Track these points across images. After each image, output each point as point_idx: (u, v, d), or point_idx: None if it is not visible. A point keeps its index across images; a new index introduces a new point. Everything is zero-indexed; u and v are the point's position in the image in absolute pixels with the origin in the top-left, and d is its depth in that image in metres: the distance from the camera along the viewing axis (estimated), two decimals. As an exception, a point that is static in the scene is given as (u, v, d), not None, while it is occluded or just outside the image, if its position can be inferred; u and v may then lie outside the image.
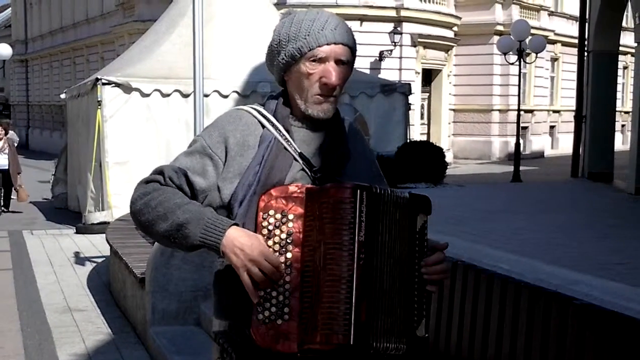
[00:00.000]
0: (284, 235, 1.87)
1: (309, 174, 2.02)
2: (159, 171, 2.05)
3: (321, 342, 1.84)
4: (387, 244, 1.91)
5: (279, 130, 2.04)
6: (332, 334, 1.83)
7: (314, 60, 1.99)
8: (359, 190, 1.85)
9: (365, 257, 1.85)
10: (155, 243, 6.35)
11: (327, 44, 1.99)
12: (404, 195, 1.98)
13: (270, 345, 1.86)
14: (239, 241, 1.85)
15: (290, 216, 1.88)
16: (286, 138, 2.04)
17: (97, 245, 10.69)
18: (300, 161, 2.03)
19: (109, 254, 8.62)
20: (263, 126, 2.06)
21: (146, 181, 2.04)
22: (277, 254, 1.86)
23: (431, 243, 2.03)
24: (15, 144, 18.46)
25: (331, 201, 1.85)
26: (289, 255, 1.87)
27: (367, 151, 2.24)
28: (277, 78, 2.12)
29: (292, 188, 1.90)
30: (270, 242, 1.87)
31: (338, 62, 2.01)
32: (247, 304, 1.89)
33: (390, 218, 1.92)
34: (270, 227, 1.88)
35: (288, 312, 1.85)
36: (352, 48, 2.05)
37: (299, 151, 2.03)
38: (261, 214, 1.89)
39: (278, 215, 1.88)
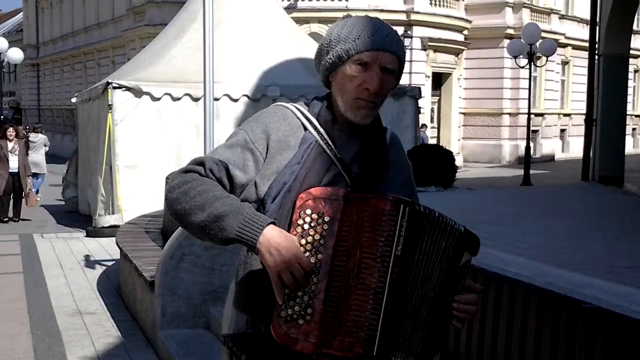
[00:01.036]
0: (317, 237, 1.85)
1: (347, 179, 2.02)
2: (200, 162, 2.02)
3: (343, 349, 1.83)
4: (422, 265, 1.90)
5: (321, 133, 2.05)
6: (355, 342, 1.83)
7: (359, 64, 1.99)
8: (402, 205, 1.85)
9: (399, 272, 1.85)
10: (165, 246, 6.37)
11: (375, 50, 1.98)
12: (457, 226, 1.97)
13: (288, 344, 1.84)
14: (276, 241, 1.83)
15: (327, 218, 1.85)
16: (327, 142, 2.04)
17: (107, 249, 10.71)
18: (339, 165, 2.02)
19: (119, 257, 8.64)
20: (305, 128, 2.07)
21: (184, 171, 2.02)
22: (308, 254, 1.85)
23: (467, 282, 2.04)
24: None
25: (372, 211, 1.84)
26: (319, 256, 1.85)
27: (406, 164, 2.22)
28: (322, 78, 2.11)
29: (331, 190, 1.88)
30: (303, 241, 1.85)
31: (383, 69, 2.00)
32: (269, 300, 1.88)
33: (432, 240, 1.91)
34: (306, 227, 1.86)
35: (311, 313, 1.84)
36: (400, 58, 2.04)
37: (339, 156, 2.03)
38: (298, 211, 1.87)
39: (314, 216, 1.86)
